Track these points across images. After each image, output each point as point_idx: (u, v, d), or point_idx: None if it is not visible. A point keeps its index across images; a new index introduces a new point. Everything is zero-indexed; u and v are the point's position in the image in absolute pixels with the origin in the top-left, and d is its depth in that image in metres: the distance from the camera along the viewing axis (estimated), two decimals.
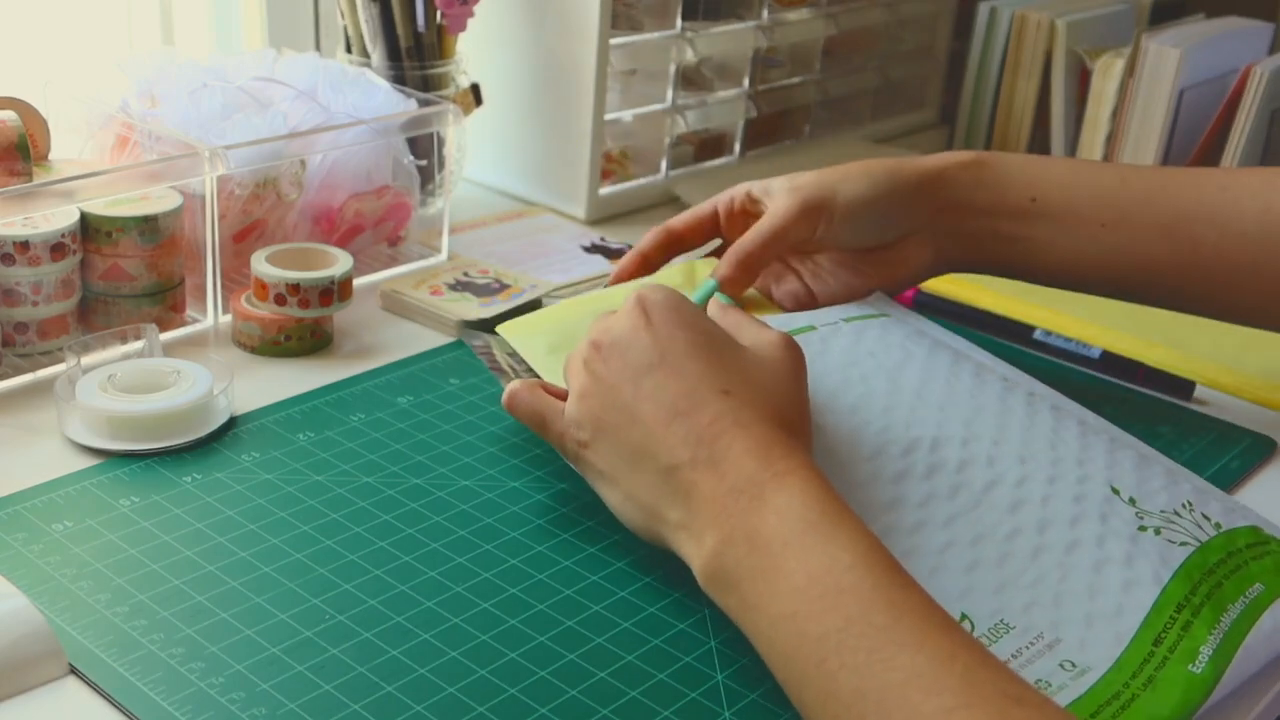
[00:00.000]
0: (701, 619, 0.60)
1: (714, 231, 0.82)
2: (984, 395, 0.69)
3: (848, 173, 0.77)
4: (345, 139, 0.89)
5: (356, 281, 0.87)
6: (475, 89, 1.05)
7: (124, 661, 0.55)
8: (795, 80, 1.24)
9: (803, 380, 0.62)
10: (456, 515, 0.67)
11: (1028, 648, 0.56)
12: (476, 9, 1.00)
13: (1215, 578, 0.60)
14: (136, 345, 0.77)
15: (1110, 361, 0.87)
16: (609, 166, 1.10)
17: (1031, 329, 0.90)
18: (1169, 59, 1.15)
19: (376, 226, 0.94)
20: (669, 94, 1.11)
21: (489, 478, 0.70)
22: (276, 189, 0.86)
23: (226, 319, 0.84)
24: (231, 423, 0.73)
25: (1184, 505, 0.64)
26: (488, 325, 0.85)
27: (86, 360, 0.74)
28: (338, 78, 0.93)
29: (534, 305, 0.89)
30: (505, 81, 1.08)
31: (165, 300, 0.81)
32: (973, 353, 0.76)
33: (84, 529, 0.63)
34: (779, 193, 0.77)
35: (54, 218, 0.76)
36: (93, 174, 0.77)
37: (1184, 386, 0.85)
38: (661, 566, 0.63)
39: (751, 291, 0.80)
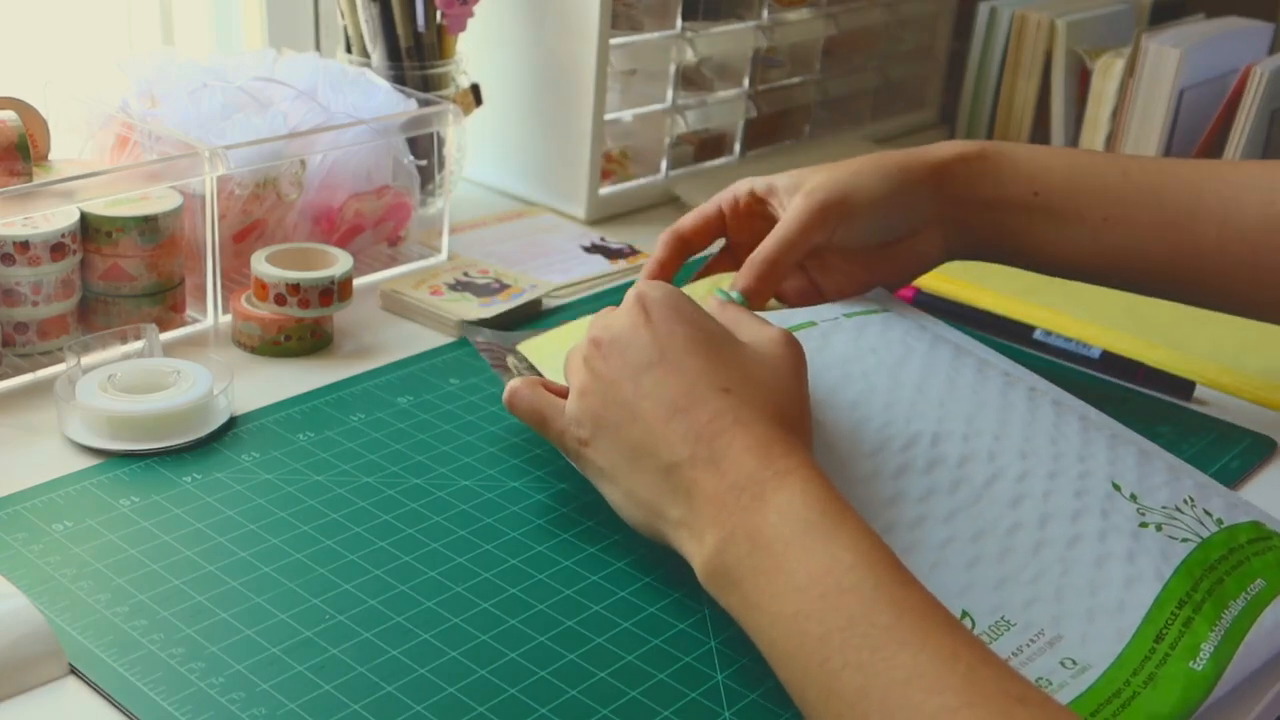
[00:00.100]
0: (701, 619, 0.60)
1: (720, 231, 0.82)
2: (985, 391, 0.69)
3: (859, 170, 0.76)
4: (345, 139, 0.89)
5: (356, 281, 0.87)
6: (475, 89, 1.05)
7: (124, 661, 0.55)
8: (795, 80, 1.24)
9: (803, 377, 0.62)
10: (456, 515, 0.67)
11: (1028, 645, 0.56)
12: (476, 9, 1.00)
13: (1217, 574, 0.60)
14: (136, 345, 0.77)
15: (1110, 361, 0.87)
16: (609, 166, 1.10)
17: (1031, 329, 0.90)
18: (1169, 59, 1.15)
19: (376, 226, 0.94)
20: (669, 94, 1.11)
21: (489, 478, 0.70)
22: (276, 189, 0.86)
23: (226, 319, 0.84)
24: (231, 423, 0.73)
25: (1185, 501, 0.64)
26: (488, 325, 0.85)
27: (86, 360, 0.74)
28: (338, 78, 0.93)
29: (534, 305, 0.89)
30: (505, 81, 1.08)
31: (165, 300, 0.81)
32: (974, 348, 0.76)
33: (84, 529, 0.63)
34: (785, 192, 0.77)
35: (54, 218, 0.76)
36: (93, 174, 0.77)
37: (1184, 386, 0.85)
38: (661, 566, 0.63)
39: None
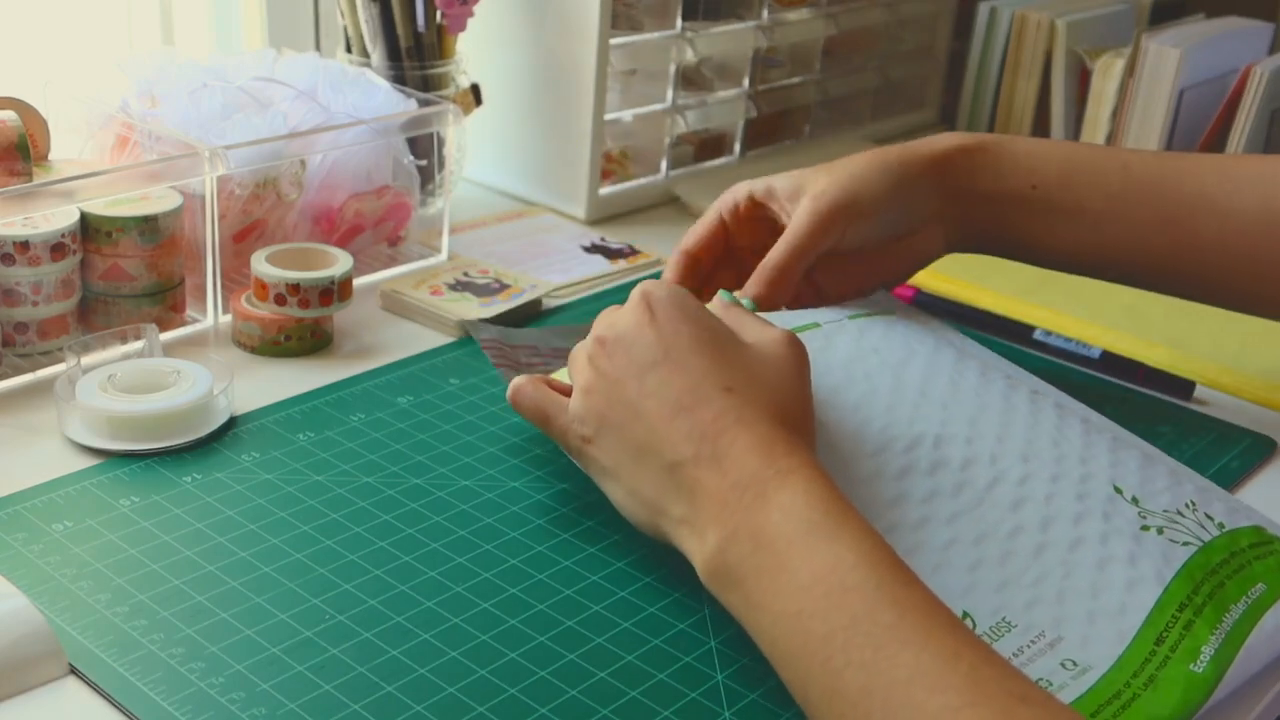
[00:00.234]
0: (701, 619, 0.60)
1: (726, 240, 0.80)
2: (988, 393, 0.69)
3: (861, 171, 0.76)
4: (345, 139, 0.89)
5: (356, 281, 0.87)
6: (475, 89, 1.05)
7: (124, 661, 0.55)
8: (795, 80, 1.24)
9: (806, 378, 0.62)
10: (456, 515, 0.67)
11: (1029, 646, 0.56)
12: (476, 9, 1.00)
13: (1218, 578, 0.60)
14: (136, 345, 0.77)
15: (1110, 361, 0.87)
16: (609, 166, 1.10)
17: (1031, 329, 0.90)
18: (1169, 59, 1.15)
19: (376, 226, 0.94)
20: (669, 94, 1.11)
21: (489, 478, 0.70)
22: (276, 189, 0.86)
23: (226, 319, 0.84)
24: (231, 423, 0.73)
25: (1187, 505, 0.64)
26: (492, 323, 0.85)
27: (86, 360, 0.74)
28: (338, 78, 0.93)
29: (534, 305, 0.89)
30: (505, 81, 1.08)
31: (165, 300, 0.81)
32: (976, 352, 0.76)
33: (84, 529, 0.63)
34: (785, 196, 0.76)
35: (54, 218, 0.76)
36: (93, 174, 0.77)
37: (1184, 386, 0.85)
38: (661, 567, 0.63)
39: None
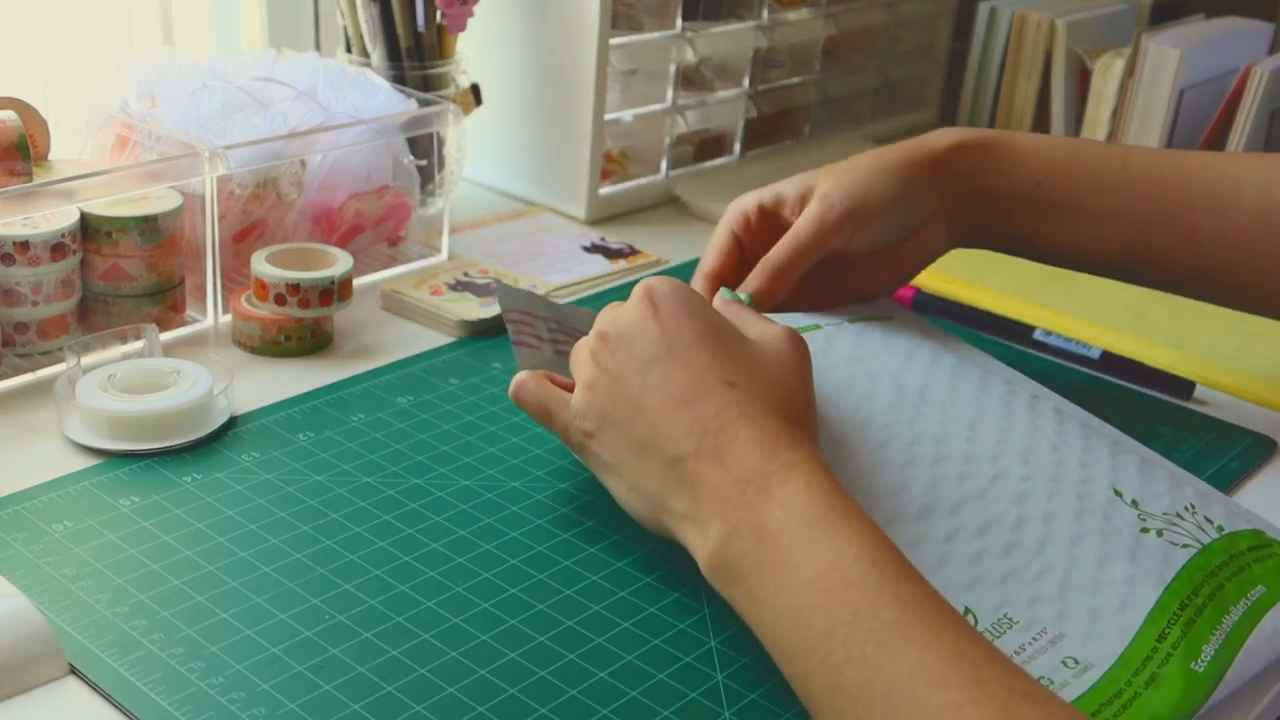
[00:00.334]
0: (701, 619, 0.60)
1: (743, 256, 0.78)
2: (988, 398, 0.69)
3: (867, 173, 0.75)
4: (345, 139, 0.89)
5: (356, 281, 0.87)
6: (475, 89, 1.05)
7: (124, 661, 0.55)
8: (795, 80, 1.24)
9: (808, 374, 0.62)
10: (456, 515, 0.67)
11: (1031, 643, 0.56)
12: (476, 9, 1.00)
13: (1217, 580, 0.60)
14: (136, 345, 0.77)
15: (1110, 361, 0.87)
16: (609, 166, 1.10)
17: (1031, 329, 0.90)
18: (1169, 59, 1.15)
19: (376, 226, 0.94)
20: (669, 94, 1.11)
21: (489, 478, 0.70)
22: (276, 189, 0.86)
23: (226, 319, 0.84)
24: (231, 423, 0.73)
25: (1186, 508, 0.64)
26: (488, 325, 0.85)
27: (86, 360, 0.74)
28: (338, 78, 0.93)
29: None
30: (505, 81, 1.08)
31: (165, 300, 0.81)
32: (975, 356, 0.76)
33: (84, 529, 0.63)
34: (796, 200, 0.75)
35: (54, 218, 0.76)
36: (93, 174, 0.77)
37: (1184, 386, 0.85)
38: (661, 567, 0.63)
39: None
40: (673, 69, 1.10)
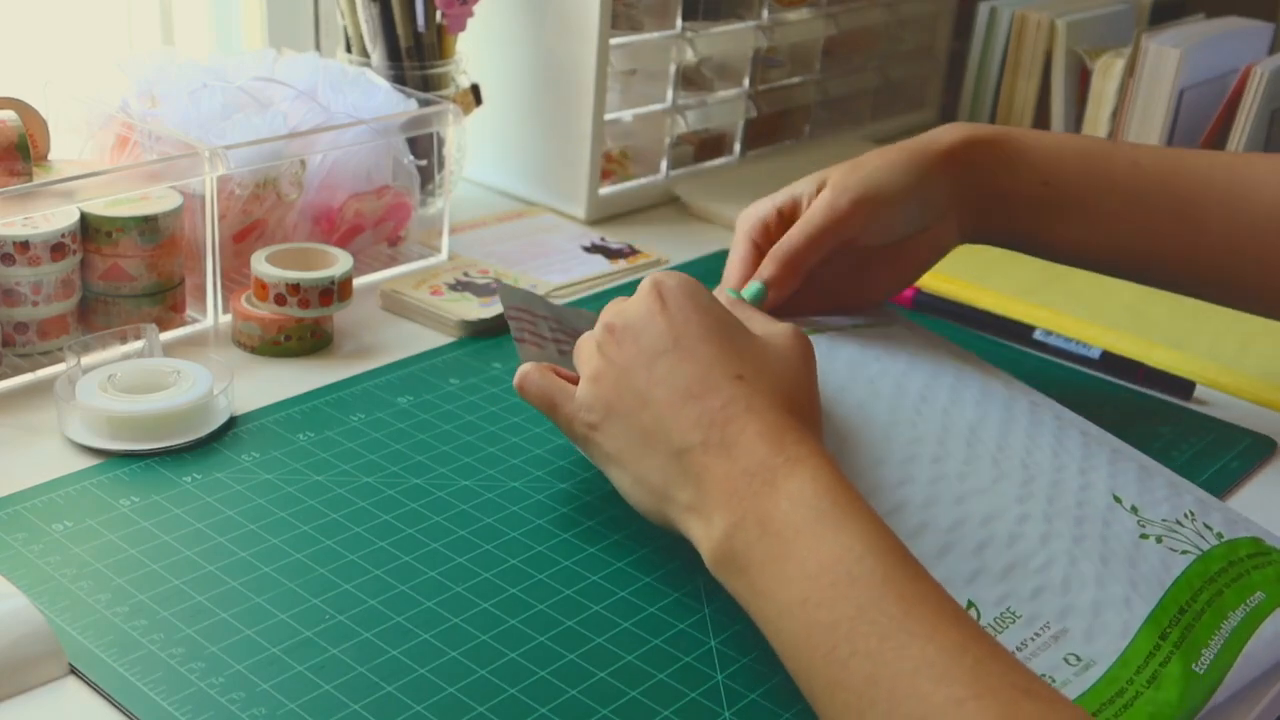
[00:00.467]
0: (701, 619, 0.60)
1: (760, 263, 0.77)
2: (989, 404, 0.69)
3: (880, 166, 0.75)
4: (345, 139, 0.89)
5: (356, 281, 0.87)
6: (475, 89, 1.05)
7: (124, 661, 0.55)
8: (795, 80, 1.24)
9: (813, 370, 0.62)
10: (456, 515, 0.67)
11: (1033, 639, 0.56)
12: (476, 9, 1.00)
13: (1216, 586, 0.60)
14: (136, 345, 0.77)
15: (1110, 361, 0.87)
16: (609, 166, 1.10)
17: (1031, 329, 0.90)
18: (1169, 59, 1.15)
19: (376, 226, 0.94)
20: (669, 94, 1.11)
21: (489, 478, 0.70)
22: (276, 189, 0.86)
23: (226, 319, 0.84)
24: (231, 423, 0.73)
25: (1186, 515, 0.64)
26: (488, 325, 0.85)
27: (86, 360, 0.74)
28: (338, 78, 0.93)
29: None
30: (505, 81, 1.08)
31: (165, 300, 0.81)
32: (975, 362, 0.76)
33: (84, 529, 0.63)
34: (810, 195, 0.75)
35: (54, 218, 0.76)
36: (93, 174, 0.77)
37: (1184, 386, 0.85)
38: (661, 567, 0.63)
39: None
40: (673, 69, 1.10)
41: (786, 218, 0.76)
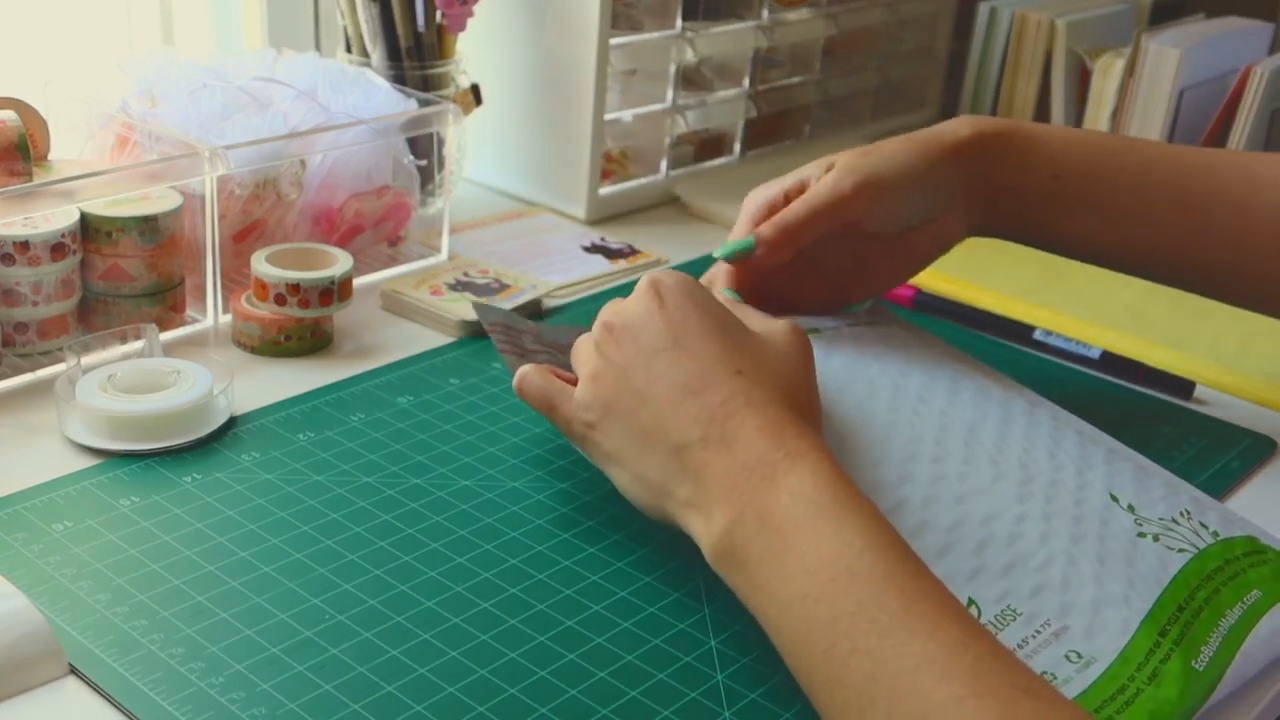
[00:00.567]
0: (701, 619, 0.60)
1: None
2: (986, 403, 0.69)
3: (888, 151, 0.75)
4: (345, 139, 0.89)
5: (356, 281, 0.87)
6: (475, 89, 1.05)
7: (124, 661, 0.55)
8: (795, 80, 1.24)
9: (811, 366, 0.62)
10: (456, 515, 0.67)
11: (1034, 636, 0.56)
12: (476, 9, 1.00)
13: (1213, 584, 0.60)
14: (136, 345, 0.77)
15: (1110, 361, 0.87)
16: (609, 166, 1.10)
17: (1031, 329, 0.90)
18: (1169, 59, 1.15)
19: (376, 226, 0.94)
20: (669, 94, 1.11)
21: (489, 478, 0.70)
22: (276, 189, 0.86)
23: (226, 319, 0.84)
24: (231, 423, 0.73)
25: (1182, 514, 0.64)
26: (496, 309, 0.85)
27: (86, 360, 0.74)
28: (338, 78, 0.93)
29: (534, 305, 0.89)
30: (505, 81, 1.08)
31: (165, 300, 0.81)
32: (972, 363, 0.76)
33: (84, 529, 0.63)
34: (817, 176, 0.75)
35: (54, 218, 0.76)
36: (93, 174, 0.77)
37: (1184, 386, 0.85)
38: (661, 567, 0.63)
39: None
40: (673, 69, 1.10)
41: (793, 200, 0.76)
